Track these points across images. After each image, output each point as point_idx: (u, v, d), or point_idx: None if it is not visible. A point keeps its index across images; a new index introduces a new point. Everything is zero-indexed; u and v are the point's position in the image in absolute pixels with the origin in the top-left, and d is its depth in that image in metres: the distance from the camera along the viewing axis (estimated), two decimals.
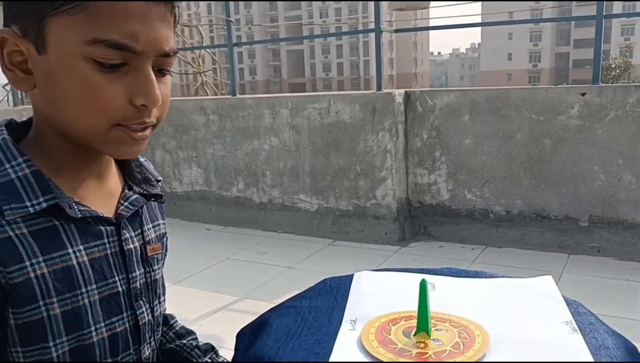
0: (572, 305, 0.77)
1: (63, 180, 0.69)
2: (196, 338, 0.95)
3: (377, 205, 3.45)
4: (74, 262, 0.66)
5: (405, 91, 3.42)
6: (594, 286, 2.69)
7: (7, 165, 0.66)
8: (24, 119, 0.74)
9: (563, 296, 0.80)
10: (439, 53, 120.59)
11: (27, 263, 0.63)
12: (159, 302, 0.80)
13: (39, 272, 0.63)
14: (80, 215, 0.67)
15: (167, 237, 0.88)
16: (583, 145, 3.03)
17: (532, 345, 0.66)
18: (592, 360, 0.61)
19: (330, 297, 0.83)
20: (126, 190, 0.77)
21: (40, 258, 0.64)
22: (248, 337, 0.75)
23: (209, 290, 2.83)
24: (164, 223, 0.86)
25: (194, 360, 0.91)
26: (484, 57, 74.37)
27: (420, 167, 3.45)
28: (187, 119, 4.11)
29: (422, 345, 0.65)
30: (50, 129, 0.69)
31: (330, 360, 0.64)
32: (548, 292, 0.81)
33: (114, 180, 0.77)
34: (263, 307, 0.88)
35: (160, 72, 0.67)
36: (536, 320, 0.73)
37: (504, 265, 2.93)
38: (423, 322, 0.67)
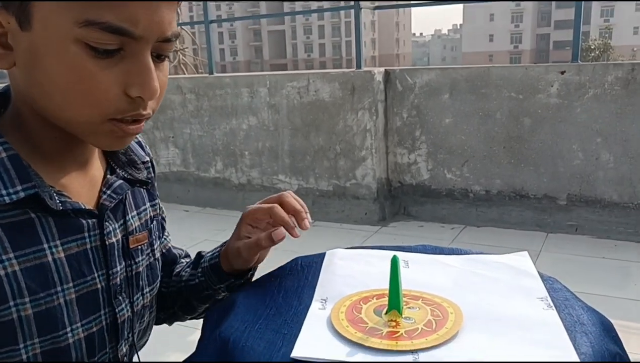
0: (548, 281, 0.75)
1: (42, 167, 0.62)
2: (191, 258, 0.89)
3: (357, 185, 3.43)
4: (49, 258, 0.60)
5: (385, 69, 3.38)
6: (572, 264, 2.71)
7: None
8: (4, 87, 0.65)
9: (539, 272, 0.78)
10: (421, 34, 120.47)
11: None
12: (142, 295, 0.74)
13: (9, 270, 0.57)
14: (61, 208, 0.61)
15: (163, 218, 0.81)
16: (562, 123, 3.03)
17: (506, 322, 0.64)
18: (567, 336, 0.60)
19: (301, 276, 0.80)
20: (109, 175, 0.71)
21: (11, 254, 0.57)
22: (215, 318, 0.72)
23: None
24: (152, 206, 0.79)
25: (192, 283, 0.85)
26: (465, 38, 74.51)
27: (400, 146, 3.42)
28: (163, 98, 4.01)
29: (394, 323, 0.63)
30: (30, 111, 0.61)
31: (298, 340, 0.62)
32: (523, 268, 0.79)
33: (96, 164, 0.70)
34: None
35: (159, 57, 0.60)
36: (511, 296, 0.71)
37: (483, 245, 2.94)
38: (394, 299, 0.64)
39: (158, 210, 0.82)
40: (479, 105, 3.18)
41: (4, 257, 0.57)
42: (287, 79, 3.55)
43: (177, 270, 0.89)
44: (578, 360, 0.56)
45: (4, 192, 0.57)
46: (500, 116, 3.15)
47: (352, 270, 0.80)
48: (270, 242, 0.75)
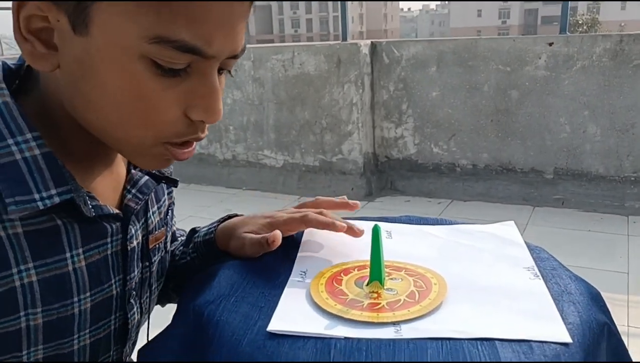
0: (535, 251, 0.73)
1: (73, 166, 0.56)
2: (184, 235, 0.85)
3: (343, 160, 3.39)
4: (70, 268, 0.55)
5: (372, 42, 3.32)
6: (558, 237, 2.72)
7: (10, 141, 0.51)
8: (15, 63, 0.57)
9: (525, 242, 0.76)
10: (409, 9, 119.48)
11: (14, 270, 0.51)
12: (151, 292, 0.70)
13: (26, 281, 0.52)
14: (94, 214, 0.55)
15: (173, 202, 0.75)
16: (549, 96, 3.00)
17: (491, 292, 0.61)
18: (554, 306, 0.57)
19: (280, 247, 0.77)
20: (132, 170, 0.64)
21: (30, 264, 0.52)
22: (191, 292, 0.69)
23: None
24: (169, 193, 0.73)
25: (184, 261, 0.80)
26: (453, 13, 74.02)
27: (387, 120, 3.38)
28: None
29: (375, 295, 0.60)
30: (65, 114, 0.55)
31: (275, 314, 0.59)
32: (510, 237, 0.77)
33: (119, 159, 0.65)
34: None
35: (220, 71, 0.54)
36: (497, 266, 0.69)
37: (469, 219, 2.93)
38: (376, 270, 0.62)
39: (172, 198, 0.76)
40: (466, 78, 3.14)
41: (22, 268, 0.51)
42: (271, 52, 3.47)
43: (171, 249, 0.84)
44: (565, 330, 0.53)
45: (37, 196, 0.51)
46: (487, 89, 3.12)
47: (333, 242, 0.77)
48: (267, 245, 0.70)
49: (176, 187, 0.71)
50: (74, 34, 0.48)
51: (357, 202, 0.73)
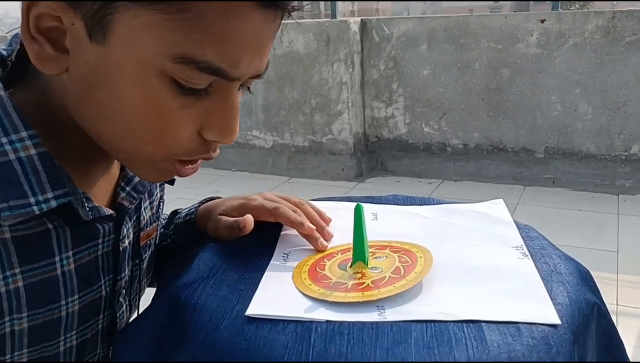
0: (524, 230, 0.71)
1: (71, 167, 0.53)
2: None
3: (333, 140, 3.35)
4: (58, 272, 0.52)
5: (362, 19, 3.27)
6: (548, 217, 2.72)
7: (4, 139, 0.47)
8: (5, 48, 0.53)
9: (514, 220, 0.74)
10: None
11: (0, 276, 0.48)
12: (140, 288, 0.67)
13: (12, 287, 0.49)
14: (90, 217, 0.53)
15: (163, 200, 0.72)
16: (541, 74, 2.98)
17: (479, 272, 0.59)
18: (543, 286, 0.56)
19: (263, 230, 0.74)
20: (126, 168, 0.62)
21: (17, 270, 0.49)
22: (169, 275, 0.66)
23: None
24: (161, 186, 0.70)
25: (164, 244, 0.78)
26: None
27: (377, 100, 3.34)
28: None
29: (359, 275, 0.58)
30: (65, 114, 0.51)
31: (254, 297, 0.56)
32: (498, 216, 0.75)
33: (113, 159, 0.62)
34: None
35: (239, 87, 0.51)
36: (485, 245, 0.67)
37: (460, 199, 2.92)
38: (359, 250, 0.59)
39: (163, 189, 0.73)
40: (458, 56, 3.11)
41: (8, 274, 0.48)
42: None
43: None
44: (553, 311, 0.52)
45: (32, 200, 0.47)
46: (479, 67, 3.08)
47: None
48: (239, 230, 0.67)
49: (172, 185, 0.68)
50: (90, 41, 0.44)
51: (326, 245, 0.66)
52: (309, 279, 0.59)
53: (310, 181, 3.40)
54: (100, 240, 0.56)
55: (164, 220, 0.84)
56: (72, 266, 0.54)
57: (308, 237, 0.65)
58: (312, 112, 3.37)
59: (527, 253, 0.63)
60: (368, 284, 0.56)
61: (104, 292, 0.59)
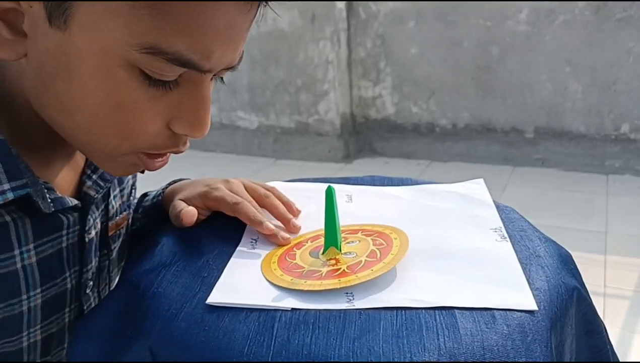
0: (504, 211, 0.68)
1: (30, 156, 0.50)
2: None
3: (320, 121, 3.31)
4: (18, 266, 0.50)
5: None
6: (537, 198, 2.71)
7: None
8: None
9: (495, 201, 0.71)
10: None
11: None
12: (110, 278, 0.64)
13: None
14: (52, 210, 0.50)
15: (135, 185, 0.69)
16: (531, 52, 2.94)
17: (454, 256, 0.57)
18: (521, 271, 0.53)
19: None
20: None
21: None
22: (133, 261, 0.63)
23: None
24: (134, 174, 0.67)
25: (134, 227, 0.75)
26: None
27: (365, 79, 3.30)
28: None
29: (333, 261, 0.55)
30: (23, 101, 0.48)
31: (217, 284, 0.54)
32: (477, 196, 0.72)
33: None
34: None
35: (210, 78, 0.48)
36: (461, 228, 0.64)
37: (449, 180, 2.90)
38: (331, 236, 0.56)
39: (135, 176, 0.70)
40: (446, 34, 3.06)
41: None
42: None
43: None
44: (531, 297, 0.49)
45: None
46: (468, 45, 3.04)
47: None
48: (180, 221, 0.64)
49: (142, 173, 0.64)
50: (50, 26, 0.41)
51: (287, 238, 0.62)
52: (280, 269, 0.55)
53: (296, 163, 3.36)
54: (64, 232, 0.54)
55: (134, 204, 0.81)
56: (34, 259, 0.51)
57: (267, 236, 0.62)
58: (298, 92, 3.32)
59: (506, 235, 0.60)
60: (344, 270, 0.53)
61: (69, 285, 0.56)
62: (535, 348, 0.45)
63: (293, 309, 0.49)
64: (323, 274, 0.53)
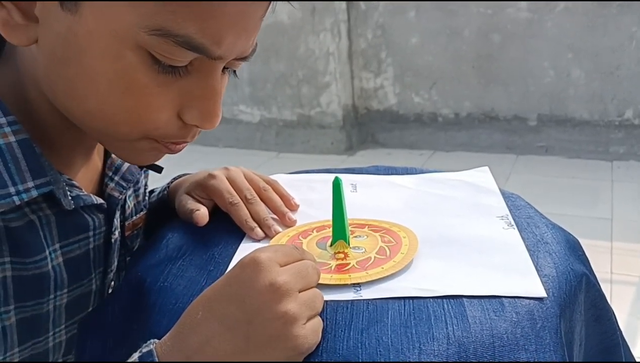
0: (510, 199, 0.68)
1: (52, 155, 0.50)
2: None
3: (322, 113, 3.30)
4: (49, 267, 0.50)
5: None
6: (542, 185, 2.70)
7: None
8: None
9: (501, 189, 0.70)
10: None
11: None
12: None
13: None
14: (73, 206, 0.50)
15: (147, 186, 0.69)
16: (532, 39, 2.92)
17: (461, 245, 0.56)
18: (529, 257, 0.53)
19: None
20: (113, 155, 0.59)
21: (7, 259, 0.47)
22: (137, 256, 0.63)
23: None
24: (145, 172, 0.67)
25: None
26: None
27: (366, 70, 3.28)
28: None
29: (342, 255, 0.55)
30: (41, 95, 0.48)
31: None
32: (483, 184, 0.72)
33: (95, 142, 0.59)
34: None
35: (223, 69, 0.48)
36: (468, 216, 0.64)
37: (452, 170, 2.89)
38: (339, 228, 0.56)
39: (147, 176, 0.70)
40: (447, 23, 3.04)
41: None
42: None
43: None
44: (539, 284, 0.49)
45: (12, 189, 0.45)
46: (468, 33, 3.02)
47: (294, 198, 0.71)
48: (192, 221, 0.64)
49: (160, 172, 0.65)
50: (61, 9, 0.41)
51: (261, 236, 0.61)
52: None
53: (299, 156, 3.35)
54: (90, 233, 0.55)
55: None
56: (61, 259, 0.52)
57: (257, 238, 0.61)
58: (299, 85, 3.31)
59: (513, 223, 0.60)
60: (353, 265, 0.53)
61: (94, 286, 0.57)
62: (545, 335, 0.44)
63: None
64: (332, 268, 0.53)
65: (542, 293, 0.48)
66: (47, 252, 0.50)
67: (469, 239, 0.57)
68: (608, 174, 2.79)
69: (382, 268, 0.52)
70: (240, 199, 0.63)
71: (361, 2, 3.17)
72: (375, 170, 0.81)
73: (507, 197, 0.68)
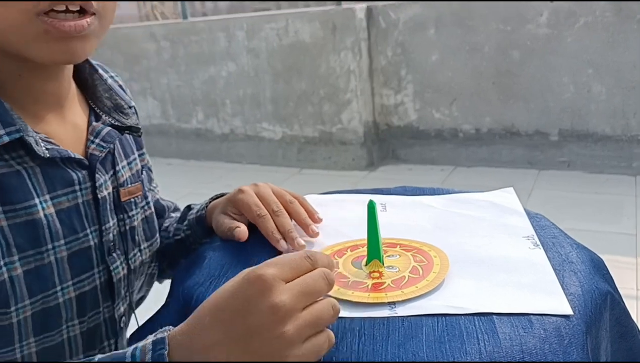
0: (535, 219, 0.70)
1: (18, 109, 0.55)
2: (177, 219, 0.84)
3: (343, 130, 3.34)
4: (41, 214, 0.55)
5: (367, 6, 3.24)
6: (564, 201, 2.68)
7: None
8: None
9: (525, 209, 0.73)
10: None
11: None
12: (140, 251, 0.69)
13: None
14: (48, 155, 0.54)
15: (149, 168, 0.75)
16: (552, 55, 2.93)
17: (489, 264, 0.59)
18: (555, 277, 0.55)
19: None
20: (94, 122, 0.64)
21: None
22: (182, 274, 0.67)
23: None
24: (141, 155, 0.73)
25: (178, 237, 0.80)
26: None
27: (386, 87, 3.32)
28: (137, 48, 3.86)
29: (377, 274, 0.58)
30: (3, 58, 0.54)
31: None
32: (509, 205, 0.74)
33: (76, 109, 0.64)
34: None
35: None
36: (495, 236, 0.66)
37: (474, 185, 2.89)
38: (374, 249, 0.59)
39: (145, 160, 0.76)
40: (466, 39, 3.07)
41: None
42: (264, 21, 3.39)
43: (166, 225, 0.84)
44: (566, 302, 0.51)
45: None
46: (488, 50, 3.04)
47: (325, 217, 0.74)
48: (234, 237, 0.69)
49: (139, 135, 0.70)
50: None
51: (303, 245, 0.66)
52: None
53: (321, 172, 3.39)
54: (77, 187, 0.59)
55: (173, 210, 0.87)
56: (52, 210, 0.56)
57: (281, 249, 0.66)
58: (321, 102, 3.36)
59: (539, 243, 0.62)
60: (389, 284, 0.56)
61: (92, 243, 0.61)
62: (572, 351, 0.47)
63: (340, 317, 0.52)
64: (369, 287, 0.55)
65: (568, 311, 0.50)
66: (38, 201, 0.54)
67: (497, 259, 0.60)
68: (632, 189, 2.77)
69: (416, 287, 0.54)
70: (267, 212, 0.67)
71: (381, 20, 3.21)
72: (403, 191, 0.83)
73: (532, 217, 0.70)
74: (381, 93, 3.35)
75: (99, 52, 3.96)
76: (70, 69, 0.62)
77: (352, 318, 0.51)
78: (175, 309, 0.61)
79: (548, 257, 0.59)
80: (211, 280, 0.61)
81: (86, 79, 0.66)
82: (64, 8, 0.51)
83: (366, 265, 0.59)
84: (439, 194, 0.81)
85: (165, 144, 3.97)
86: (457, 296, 0.53)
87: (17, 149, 0.53)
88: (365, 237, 0.60)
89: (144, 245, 0.71)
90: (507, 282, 0.55)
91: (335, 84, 3.28)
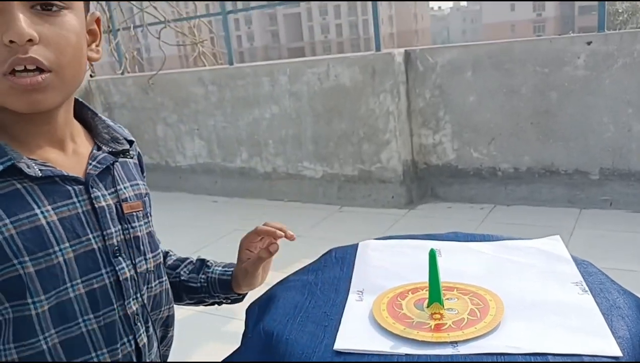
0: (582, 265, 0.75)
1: (18, 145, 0.67)
2: (191, 262, 0.96)
3: (382, 168, 3.42)
4: (43, 222, 0.65)
5: (405, 50, 3.34)
6: (606, 240, 2.66)
7: None
8: None
9: (572, 256, 0.78)
10: (440, 8, 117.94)
11: None
12: (145, 259, 0.78)
13: (6, 234, 0.62)
14: (40, 174, 0.66)
15: (149, 197, 0.86)
16: (590, 96, 2.95)
17: (541, 308, 0.65)
18: (604, 321, 0.60)
19: (336, 267, 0.82)
20: (94, 151, 0.77)
21: (7, 221, 0.63)
22: (257, 313, 0.75)
23: None
24: (143, 184, 0.84)
25: (193, 285, 0.93)
26: (485, 9, 72.63)
27: (425, 127, 3.39)
28: (185, 92, 4.06)
29: (438, 316, 0.64)
30: None
31: (339, 333, 0.64)
32: (557, 252, 0.80)
33: (82, 142, 0.77)
34: (274, 277, 0.89)
35: (46, 9, 0.64)
36: (545, 282, 0.72)
37: (514, 224, 2.90)
38: (435, 292, 0.66)
39: (148, 189, 0.87)
40: (503, 82, 3.13)
41: (0, 224, 0.62)
42: (306, 66, 3.54)
43: (170, 263, 0.95)
44: (615, 344, 0.56)
45: None
46: (525, 91, 3.09)
47: (385, 262, 0.81)
48: (268, 254, 0.86)
49: (131, 145, 0.82)
50: None
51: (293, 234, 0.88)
52: (390, 317, 0.65)
53: (361, 209, 3.44)
54: (74, 199, 0.70)
55: (173, 255, 0.99)
56: (55, 217, 0.66)
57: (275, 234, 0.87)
58: (360, 142, 3.45)
59: (587, 288, 0.67)
60: (450, 325, 0.62)
61: (95, 246, 0.70)
62: None
63: (407, 354, 0.59)
64: (432, 327, 0.62)
65: (618, 352, 0.55)
66: (39, 211, 0.65)
67: (548, 303, 0.65)
68: None
69: (475, 328, 0.61)
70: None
71: (419, 64, 3.31)
72: (454, 237, 0.90)
73: (580, 263, 0.75)
74: (420, 133, 3.42)
75: (150, 97, 4.19)
76: (63, 113, 0.73)
77: (418, 355, 0.58)
78: (258, 342, 0.68)
79: (596, 302, 0.64)
80: (288, 319, 0.68)
81: (89, 122, 0.80)
82: (23, 68, 0.63)
83: (428, 307, 0.66)
84: (488, 241, 0.86)
85: (211, 182, 4.13)
86: (514, 337, 0.59)
87: (15, 173, 0.65)
88: (424, 280, 0.66)
89: (149, 255, 0.79)
90: (558, 324, 0.61)
91: (374, 125, 3.37)
